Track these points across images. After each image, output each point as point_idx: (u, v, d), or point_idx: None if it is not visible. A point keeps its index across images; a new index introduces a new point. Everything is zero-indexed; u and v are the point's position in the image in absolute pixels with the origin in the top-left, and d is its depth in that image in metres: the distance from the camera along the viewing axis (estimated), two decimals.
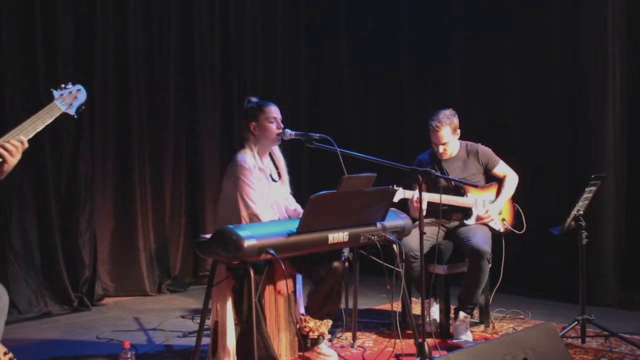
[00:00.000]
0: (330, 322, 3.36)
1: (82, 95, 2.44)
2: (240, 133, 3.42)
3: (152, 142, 5.53)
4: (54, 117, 2.33)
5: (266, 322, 3.14)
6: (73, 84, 2.43)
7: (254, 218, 3.17)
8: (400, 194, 3.63)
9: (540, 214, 4.70)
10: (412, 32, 6.17)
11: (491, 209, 3.92)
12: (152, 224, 5.51)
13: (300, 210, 3.44)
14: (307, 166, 6.57)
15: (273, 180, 3.41)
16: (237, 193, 3.18)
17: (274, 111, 3.37)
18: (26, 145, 2.23)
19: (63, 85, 2.41)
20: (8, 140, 2.21)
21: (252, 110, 3.37)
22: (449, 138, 3.88)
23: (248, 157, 3.27)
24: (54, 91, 2.37)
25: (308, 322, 3.28)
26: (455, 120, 3.91)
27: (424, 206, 3.12)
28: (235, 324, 3.14)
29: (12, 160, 2.20)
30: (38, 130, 2.28)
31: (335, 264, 3.25)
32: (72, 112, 2.40)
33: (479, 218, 3.89)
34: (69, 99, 2.39)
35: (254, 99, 3.47)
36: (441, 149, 3.92)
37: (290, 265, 3.23)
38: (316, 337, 3.32)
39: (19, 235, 4.66)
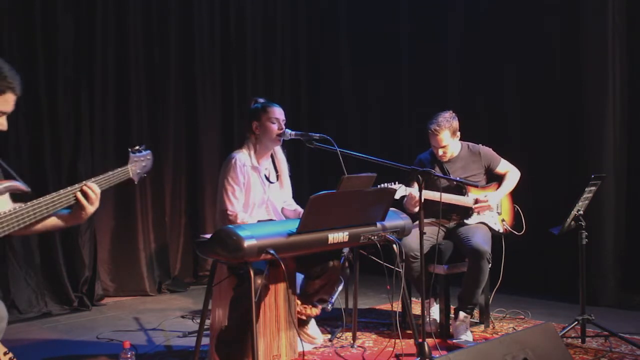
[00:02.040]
0: (320, 307, 3.43)
1: (149, 163, 2.46)
2: (243, 132, 3.45)
3: (152, 142, 5.52)
4: (122, 180, 2.35)
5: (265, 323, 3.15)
6: (145, 149, 2.43)
7: (224, 214, 3.25)
8: (402, 190, 3.64)
9: (540, 214, 4.70)
10: (412, 31, 6.18)
11: (490, 196, 3.89)
12: (152, 224, 5.51)
13: (300, 210, 3.45)
14: (307, 166, 6.57)
15: (269, 181, 3.41)
16: (219, 188, 3.31)
17: (277, 112, 3.39)
18: (99, 193, 2.24)
19: (137, 147, 2.41)
20: (87, 185, 2.23)
21: (255, 110, 3.42)
22: (448, 141, 3.86)
23: (240, 155, 3.33)
24: (131, 153, 2.37)
25: (298, 305, 3.33)
26: (455, 123, 3.89)
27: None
28: (224, 326, 3.15)
29: (90, 209, 2.22)
30: (108, 186, 2.31)
31: (332, 263, 3.26)
32: (136, 179, 2.41)
33: (477, 201, 3.87)
34: (139, 165, 2.40)
35: (260, 100, 3.50)
36: (440, 152, 3.91)
37: (291, 261, 3.24)
38: (304, 319, 3.41)
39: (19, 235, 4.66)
